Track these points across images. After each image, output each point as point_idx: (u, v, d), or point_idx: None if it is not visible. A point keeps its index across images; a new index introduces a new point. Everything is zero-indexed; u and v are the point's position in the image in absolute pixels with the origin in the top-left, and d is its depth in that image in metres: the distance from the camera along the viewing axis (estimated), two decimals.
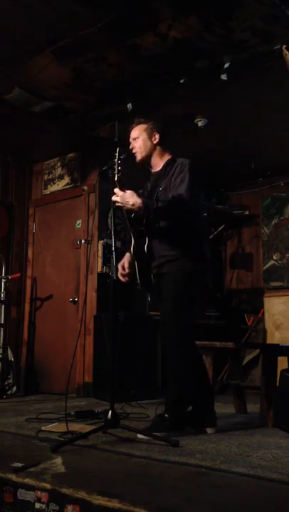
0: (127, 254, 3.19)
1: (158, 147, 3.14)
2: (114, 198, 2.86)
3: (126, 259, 3.18)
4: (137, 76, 4.21)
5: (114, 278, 2.88)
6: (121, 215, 3.10)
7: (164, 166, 3.10)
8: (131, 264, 3.13)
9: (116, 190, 2.85)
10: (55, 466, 2.12)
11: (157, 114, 4.52)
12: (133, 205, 2.82)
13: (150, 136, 3.12)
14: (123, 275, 3.15)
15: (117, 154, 2.83)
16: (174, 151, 3.20)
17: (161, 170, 3.11)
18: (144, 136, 3.12)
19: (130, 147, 3.14)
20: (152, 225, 2.95)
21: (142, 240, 3.01)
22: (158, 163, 3.15)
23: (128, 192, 2.84)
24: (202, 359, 3.25)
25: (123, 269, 3.15)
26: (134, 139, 3.14)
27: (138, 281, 3.06)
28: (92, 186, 5.48)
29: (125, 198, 2.83)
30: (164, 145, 3.16)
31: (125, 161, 2.86)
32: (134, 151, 3.12)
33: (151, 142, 3.12)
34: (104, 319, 4.90)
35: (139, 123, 3.16)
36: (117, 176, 2.83)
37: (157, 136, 3.12)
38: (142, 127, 3.15)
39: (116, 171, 2.82)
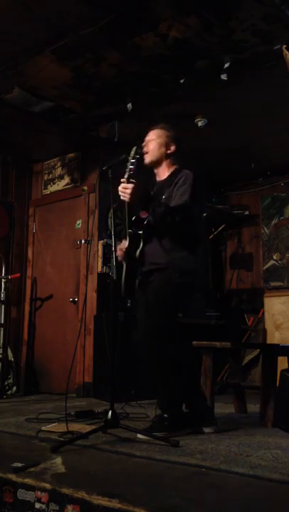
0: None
1: (169, 158, 3.13)
2: (120, 189, 2.86)
3: (123, 241, 3.17)
4: (137, 76, 4.21)
5: (115, 278, 2.88)
6: (122, 216, 3.10)
7: (169, 175, 3.10)
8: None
9: (123, 184, 2.86)
10: (55, 466, 2.12)
11: (157, 113, 4.54)
12: (131, 194, 2.81)
13: (166, 144, 3.11)
14: (121, 250, 3.11)
15: (133, 152, 2.85)
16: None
17: (165, 179, 3.11)
18: (161, 140, 3.11)
19: (143, 144, 3.13)
20: (152, 230, 2.93)
21: (137, 244, 3.00)
22: (164, 173, 3.14)
23: (131, 184, 2.85)
24: (201, 359, 3.25)
25: (120, 249, 3.12)
26: (152, 139, 3.12)
27: (122, 285, 3.01)
28: (92, 186, 5.48)
29: (126, 187, 2.83)
30: (175, 158, 3.14)
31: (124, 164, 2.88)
32: (144, 150, 3.11)
33: (165, 150, 3.11)
34: (104, 319, 4.90)
35: (163, 128, 3.15)
36: (128, 174, 2.84)
37: (173, 148, 3.12)
38: (163, 132, 3.13)
39: (128, 170, 2.84)
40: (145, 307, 2.98)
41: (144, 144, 3.12)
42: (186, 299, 3.09)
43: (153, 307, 2.92)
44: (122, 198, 2.88)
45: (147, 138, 3.15)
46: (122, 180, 2.86)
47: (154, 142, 3.11)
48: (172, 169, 3.12)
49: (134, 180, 2.86)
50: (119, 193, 2.86)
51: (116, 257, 2.85)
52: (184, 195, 2.91)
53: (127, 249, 3.04)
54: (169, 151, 3.12)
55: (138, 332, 3.00)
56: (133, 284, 3.05)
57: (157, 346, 2.87)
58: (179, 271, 2.93)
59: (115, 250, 2.83)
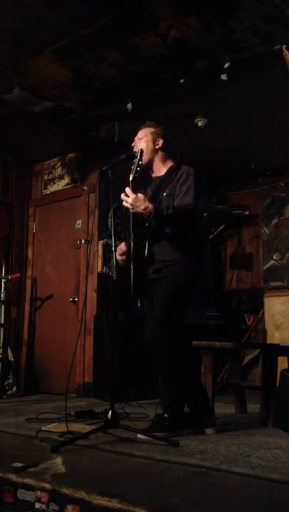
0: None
1: (160, 152, 3.14)
2: (123, 197, 2.84)
3: (122, 243, 3.17)
4: (137, 76, 4.21)
5: (114, 278, 2.87)
6: (122, 216, 3.10)
7: (168, 171, 3.10)
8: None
9: (128, 190, 2.83)
10: (55, 466, 2.12)
11: (157, 113, 4.54)
12: (144, 209, 2.81)
13: (154, 140, 3.13)
14: (120, 255, 3.11)
15: (138, 154, 2.86)
16: (174, 150, 3.21)
17: (164, 175, 3.11)
18: (148, 138, 3.13)
19: (132, 144, 3.14)
20: (157, 229, 2.93)
21: (143, 243, 2.98)
22: (160, 169, 3.15)
23: (140, 195, 2.83)
24: (201, 359, 3.24)
25: (120, 250, 3.12)
26: (139, 138, 3.15)
27: (131, 285, 2.98)
28: (92, 186, 5.49)
29: (137, 201, 2.81)
30: (166, 151, 3.16)
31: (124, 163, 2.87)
32: (134, 150, 3.12)
33: (154, 146, 3.13)
34: (104, 319, 4.90)
35: (148, 125, 3.18)
36: (133, 176, 2.83)
37: (161, 142, 3.13)
38: (149, 130, 3.16)
39: (133, 172, 2.84)
40: (155, 302, 2.98)
41: (133, 144, 3.13)
42: (195, 292, 3.09)
43: (161, 297, 2.93)
44: (125, 204, 2.87)
45: (136, 138, 3.17)
46: (127, 190, 2.83)
47: (141, 141, 3.13)
48: (170, 164, 3.14)
49: (138, 193, 2.85)
50: (124, 203, 2.85)
51: (116, 257, 2.84)
52: (187, 193, 2.92)
53: (133, 248, 3.01)
54: (157, 146, 3.13)
55: (148, 329, 2.98)
56: (142, 283, 3.02)
57: (166, 340, 2.85)
58: (189, 265, 2.96)
59: (115, 250, 2.82)
